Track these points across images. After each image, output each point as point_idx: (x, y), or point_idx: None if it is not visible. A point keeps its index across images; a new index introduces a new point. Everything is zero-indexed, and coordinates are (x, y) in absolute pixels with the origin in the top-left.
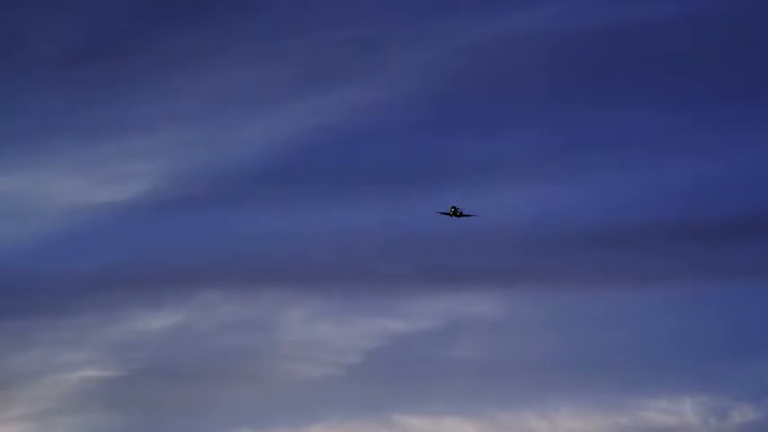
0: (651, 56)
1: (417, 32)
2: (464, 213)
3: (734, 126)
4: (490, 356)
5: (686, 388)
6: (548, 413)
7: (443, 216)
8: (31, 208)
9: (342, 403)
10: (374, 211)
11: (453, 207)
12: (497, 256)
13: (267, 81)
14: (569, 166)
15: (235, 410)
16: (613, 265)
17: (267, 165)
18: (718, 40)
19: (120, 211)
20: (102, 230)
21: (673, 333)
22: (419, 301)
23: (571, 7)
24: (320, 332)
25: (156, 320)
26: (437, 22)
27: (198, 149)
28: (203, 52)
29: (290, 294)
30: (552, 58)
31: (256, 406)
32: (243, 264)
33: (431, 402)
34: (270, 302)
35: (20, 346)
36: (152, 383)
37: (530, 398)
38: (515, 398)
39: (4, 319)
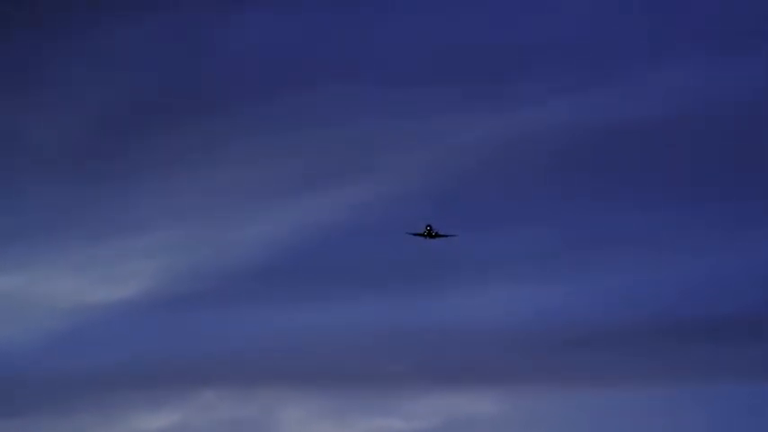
0: (650, 155)
1: (416, 131)
2: (440, 234)
3: (731, 226)
4: None
5: None
6: None
7: (417, 238)
8: (31, 306)
9: None
10: (373, 310)
11: (429, 226)
12: (496, 355)
13: (266, 179)
14: (568, 264)
15: None
16: (612, 364)
17: (265, 263)
18: (717, 140)
19: (119, 309)
20: (102, 329)
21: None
22: (418, 399)
23: (569, 108)
24: (319, 431)
25: (154, 420)
26: (435, 121)
27: (196, 248)
28: (202, 151)
29: (289, 393)
30: (551, 158)
31: None
32: (241, 363)
33: None
34: (268, 401)
35: None
36: None
37: None
38: None
39: (3, 418)
